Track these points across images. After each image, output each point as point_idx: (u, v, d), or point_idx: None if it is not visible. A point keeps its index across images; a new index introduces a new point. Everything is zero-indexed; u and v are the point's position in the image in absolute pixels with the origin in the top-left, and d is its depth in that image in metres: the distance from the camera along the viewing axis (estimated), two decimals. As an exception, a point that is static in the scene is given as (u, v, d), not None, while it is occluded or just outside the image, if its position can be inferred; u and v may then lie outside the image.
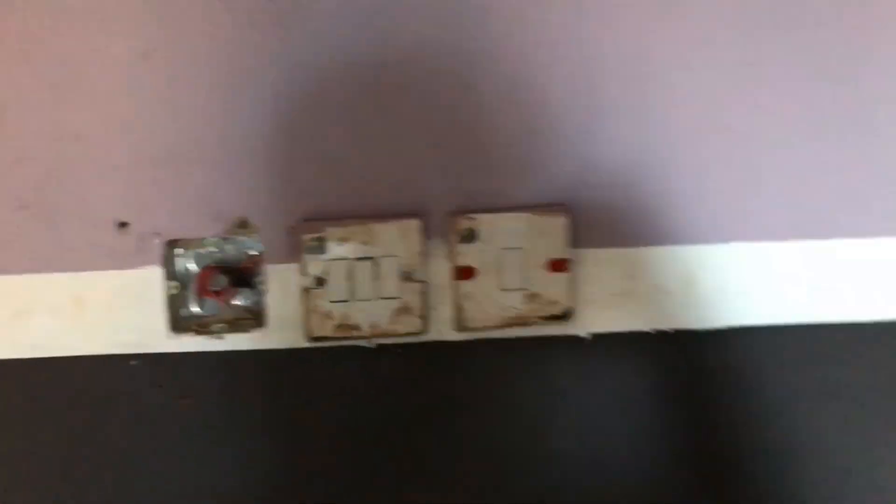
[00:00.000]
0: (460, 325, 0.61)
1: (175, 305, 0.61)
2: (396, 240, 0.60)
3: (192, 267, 0.61)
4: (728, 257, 0.61)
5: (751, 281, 0.62)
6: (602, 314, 0.62)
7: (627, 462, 0.64)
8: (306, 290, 0.60)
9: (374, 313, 0.61)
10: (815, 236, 0.61)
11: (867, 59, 0.60)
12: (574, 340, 0.62)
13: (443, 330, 0.62)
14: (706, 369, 0.63)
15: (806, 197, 0.61)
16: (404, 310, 0.61)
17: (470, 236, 0.60)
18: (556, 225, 0.60)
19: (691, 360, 0.63)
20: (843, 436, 0.64)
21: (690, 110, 0.60)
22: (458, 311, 0.61)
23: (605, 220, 0.61)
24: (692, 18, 0.59)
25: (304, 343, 0.61)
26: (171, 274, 0.60)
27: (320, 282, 0.60)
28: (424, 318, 0.61)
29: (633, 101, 0.60)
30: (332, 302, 0.60)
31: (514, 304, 0.61)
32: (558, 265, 0.61)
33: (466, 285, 0.61)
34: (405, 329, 0.61)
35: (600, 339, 0.62)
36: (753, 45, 0.59)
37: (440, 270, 0.61)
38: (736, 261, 0.61)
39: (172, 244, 0.60)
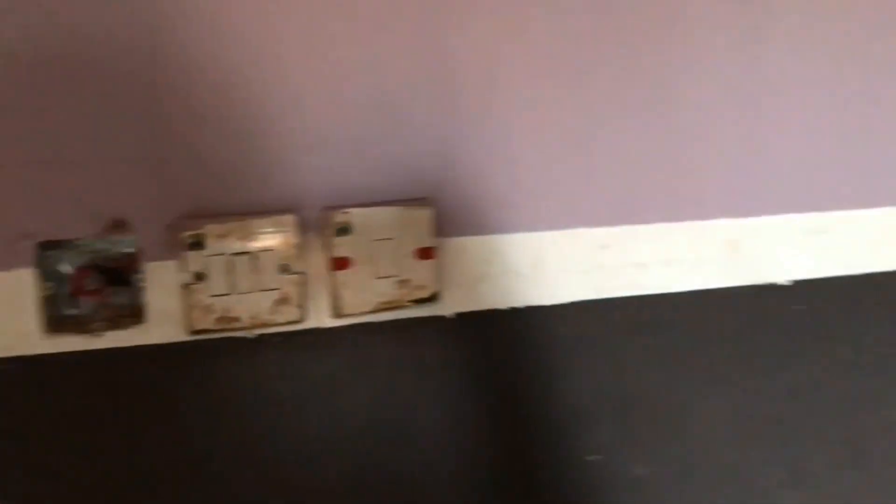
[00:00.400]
0: (337, 312, 0.66)
1: (50, 306, 0.61)
2: (274, 234, 0.64)
3: (68, 268, 0.61)
4: (570, 241, 0.71)
5: (589, 260, 0.71)
6: (464, 295, 0.69)
7: (491, 427, 0.71)
8: (186, 286, 0.62)
9: (254, 305, 0.64)
10: (639, 221, 0.72)
11: (669, 67, 0.71)
12: (440, 320, 0.69)
13: (321, 317, 0.66)
14: (554, 339, 0.72)
15: (630, 187, 0.72)
16: (283, 300, 0.65)
17: (345, 229, 0.65)
18: (423, 217, 0.67)
19: (540, 332, 0.72)
20: (668, 391, 0.75)
21: (534, 113, 0.68)
22: (335, 299, 0.66)
23: (465, 212, 0.68)
24: (535, 33, 0.67)
25: (185, 337, 0.63)
26: (45, 275, 0.60)
27: (200, 277, 0.63)
28: (303, 307, 0.65)
29: (486, 106, 0.67)
30: (212, 296, 0.63)
31: (387, 290, 0.67)
32: (425, 253, 0.67)
33: (342, 275, 0.66)
34: (285, 318, 0.65)
35: (463, 317, 0.70)
36: (584, 55, 0.69)
37: (317, 262, 0.65)
38: (576, 244, 0.71)
39: (45, 245, 0.60)
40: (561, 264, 0.71)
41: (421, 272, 0.67)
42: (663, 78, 0.70)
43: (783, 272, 0.75)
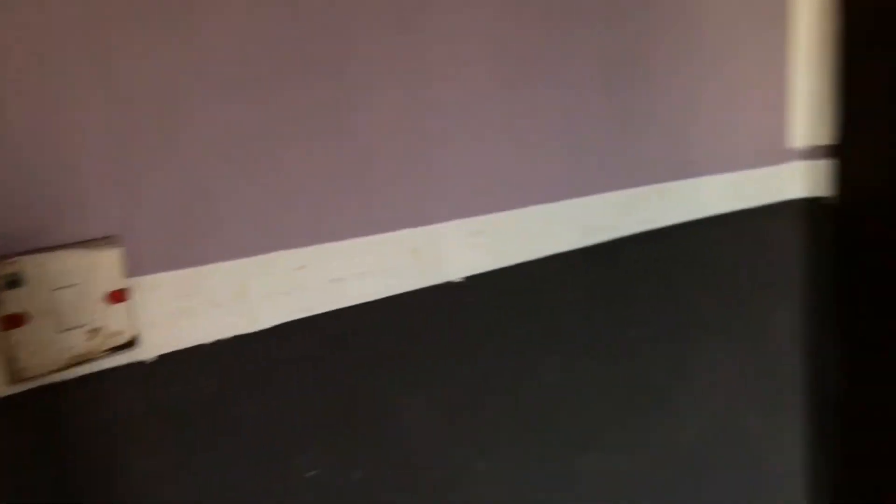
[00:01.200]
0: (15, 377, 0.57)
1: None
2: (-80, 298, 0.53)
3: None
4: (268, 265, 0.71)
5: (289, 282, 0.72)
6: (165, 335, 0.65)
7: (204, 463, 0.69)
8: None
9: None
10: (332, 239, 0.75)
11: (345, 93, 0.76)
12: (141, 366, 0.64)
13: (-6, 386, 0.57)
14: (262, 364, 0.72)
15: (320, 208, 0.74)
16: (-60, 374, 0.54)
17: (14, 281, 0.57)
18: (110, 257, 0.61)
19: (247, 360, 0.71)
20: (374, 395, 0.80)
21: (221, 142, 0.67)
22: (11, 362, 0.57)
23: (156, 247, 0.64)
24: (215, 59, 0.66)
25: None
26: None
27: None
28: (-32, 378, 0.55)
29: (168, 135, 0.64)
30: None
31: (76, 342, 0.60)
32: (117, 296, 0.62)
33: (17, 333, 0.57)
34: (-56, 395, 0.55)
35: (165, 359, 0.66)
36: (265, 81, 0.69)
37: (-17, 323, 0.56)
38: (275, 267, 0.71)
39: None
40: (262, 289, 0.71)
41: (114, 317, 0.62)
42: (340, 104, 0.74)
43: (457, 271, 0.85)
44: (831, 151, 1.31)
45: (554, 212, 0.94)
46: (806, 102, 1.29)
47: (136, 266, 0.63)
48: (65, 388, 0.60)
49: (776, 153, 1.28)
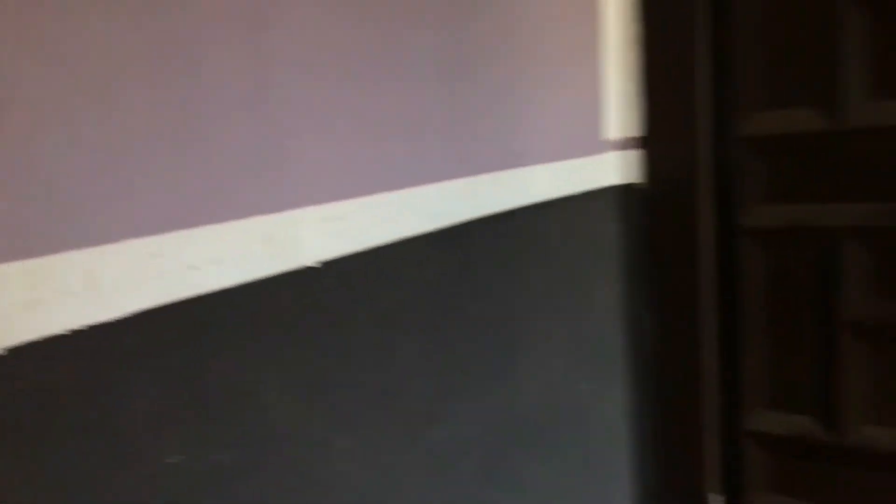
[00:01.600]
0: None
1: None
2: None
3: None
4: (120, 254, 0.70)
5: (142, 270, 0.72)
6: (13, 328, 0.63)
7: (69, 455, 0.67)
8: None
9: None
10: (185, 226, 0.76)
11: (192, 85, 0.77)
12: (-9, 361, 0.62)
13: None
14: (120, 353, 0.71)
15: (171, 194, 0.75)
16: None
17: None
18: (-51, 247, 0.59)
19: (104, 350, 0.70)
20: (237, 379, 0.81)
21: (65, 130, 0.66)
22: None
23: (1, 238, 0.62)
24: (60, 53, 0.65)
25: None
26: None
27: None
28: None
29: (6, 128, 0.62)
30: None
31: (-86, 337, 0.57)
32: (-41, 288, 0.59)
33: None
34: None
35: (16, 353, 0.63)
36: (112, 72, 0.69)
37: None
38: (128, 256, 0.71)
39: None
40: (116, 278, 0.70)
41: (-44, 310, 0.59)
42: (192, 96, 0.75)
43: (312, 256, 0.88)
44: (640, 142, 1.47)
45: (401, 198, 1.00)
46: (617, 99, 1.45)
47: (-22, 256, 0.61)
48: None
49: (593, 145, 1.42)
